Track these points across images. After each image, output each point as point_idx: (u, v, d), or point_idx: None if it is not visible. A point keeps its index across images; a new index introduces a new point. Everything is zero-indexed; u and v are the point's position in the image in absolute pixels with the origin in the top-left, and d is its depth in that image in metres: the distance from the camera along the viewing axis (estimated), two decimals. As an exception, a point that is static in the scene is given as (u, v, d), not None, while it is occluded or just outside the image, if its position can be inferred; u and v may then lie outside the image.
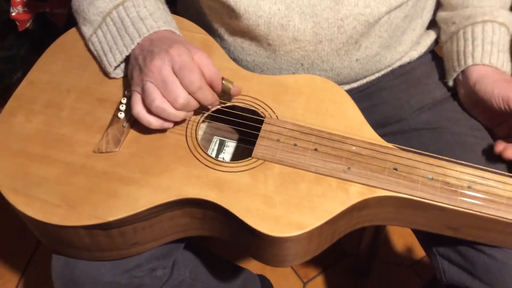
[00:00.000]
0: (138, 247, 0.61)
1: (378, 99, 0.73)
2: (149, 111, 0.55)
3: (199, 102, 0.57)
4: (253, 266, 1.21)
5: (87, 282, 0.62)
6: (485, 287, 0.59)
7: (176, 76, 0.54)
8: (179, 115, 0.56)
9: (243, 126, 0.64)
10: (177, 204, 0.56)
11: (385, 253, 1.23)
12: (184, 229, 0.61)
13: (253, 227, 0.53)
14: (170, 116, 0.56)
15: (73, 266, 0.62)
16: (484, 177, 0.56)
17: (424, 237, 0.70)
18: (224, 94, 0.61)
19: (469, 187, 0.55)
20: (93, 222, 0.54)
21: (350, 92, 0.74)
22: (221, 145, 0.70)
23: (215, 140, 0.71)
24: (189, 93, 0.55)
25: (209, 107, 0.62)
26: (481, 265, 0.60)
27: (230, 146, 0.70)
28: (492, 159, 0.63)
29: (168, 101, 0.54)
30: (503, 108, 0.61)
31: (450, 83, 0.70)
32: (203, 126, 0.70)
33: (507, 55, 0.66)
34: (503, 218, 0.54)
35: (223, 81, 0.59)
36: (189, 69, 0.54)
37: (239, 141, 0.70)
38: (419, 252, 1.23)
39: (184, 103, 0.54)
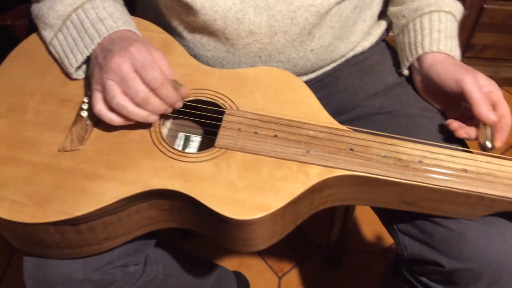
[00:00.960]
0: (109, 242, 0.62)
1: (335, 88, 0.77)
2: (111, 108, 0.57)
3: (162, 100, 0.57)
4: (228, 263, 1.22)
5: (59, 281, 0.63)
6: (443, 257, 0.63)
7: (137, 73, 0.56)
8: (141, 113, 0.57)
9: (206, 120, 0.66)
10: (144, 196, 0.58)
11: (356, 243, 1.26)
12: (153, 222, 0.63)
13: (219, 213, 0.55)
14: (130, 114, 0.57)
15: (45, 266, 0.63)
16: (433, 152, 0.60)
17: (385, 216, 0.73)
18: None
19: (420, 162, 0.59)
20: (61, 218, 0.55)
21: (307, 82, 0.77)
22: (187, 140, 0.72)
23: (181, 136, 0.72)
24: (152, 90, 0.56)
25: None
26: (438, 236, 0.63)
27: (196, 141, 0.72)
28: (442, 136, 0.67)
29: (128, 97, 0.56)
30: (455, 90, 0.64)
31: (405, 72, 0.74)
32: (168, 123, 0.72)
33: (455, 40, 0.70)
34: (453, 188, 0.57)
35: (173, 82, 0.60)
36: (150, 66, 0.55)
37: (204, 135, 0.72)
38: (388, 239, 1.27)
39: (144, 97, 0.56)
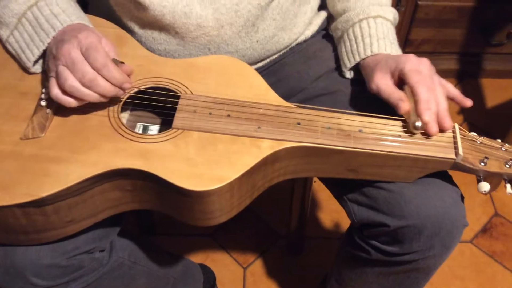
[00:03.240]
0: (74, 225, 0.64)
1: (282, 74, 0.82)
2: (65, 92, 0.60)
3: (109, 81, 0.61)
4: (193, 259, 1.25)
5: (27, 267, 0.64)
6: (388, 217, 0.69)
7: (84, 57, 0.59)
8: (92, 95, 0.61)
9: (163, 105, 0.69)
10: (107, 177, 0.61)
11: (315, 230, 1.32)
12: (116, 204, 0.66)
13: (179, 186, 0.59)
14: (83, 95, 0.60)
15: (12, 253, 0.64)
16: (371, 122, 0.66)
17: (336, 189, 0.79)
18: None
19: (360, 131, 0.65)
20: (26, 199, 0.57)
21: (256, 71, 0.82)
22: (145, 130, 0.75)
23: (139, 126, 0.76)
24: (96, 71, 0.60)
25: (125, 91, 0.67)
26: (381, 199, 0.69)
27: (154, 130, 0.75)
28: (380, 108, 0.72)
29: (77, 79, 0.59)
30: (397, 78, 0.68)
31: (347, 75, 0.79)
32: (125, 115, 0.75)
33: (388, 40, 0.75)
34: (390, 152, 0.63)
35: (113, 60, 0.63)
36: (93, 48, 0.59)
37: (161, 125, 0.76)
38: (345, 225, 1.33)
39: (91, 78, 0.59)
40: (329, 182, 0.80)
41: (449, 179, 0.70)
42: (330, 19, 0.85)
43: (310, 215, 1.34)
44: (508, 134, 1.25)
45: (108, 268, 0.76)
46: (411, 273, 0.76)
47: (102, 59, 0.59)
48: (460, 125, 1.59)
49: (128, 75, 0.66)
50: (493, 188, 1.40)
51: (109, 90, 0.62)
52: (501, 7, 1.52)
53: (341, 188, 0.77)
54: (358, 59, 0.75)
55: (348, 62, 0.77)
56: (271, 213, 1.35)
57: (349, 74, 0.79)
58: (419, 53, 1.74)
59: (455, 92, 0.68)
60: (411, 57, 0.67)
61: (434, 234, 0.67)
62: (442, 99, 0.64)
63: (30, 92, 0.67)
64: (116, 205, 0.66)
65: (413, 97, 0.64)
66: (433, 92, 0.64)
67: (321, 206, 1.37)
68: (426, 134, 0.64)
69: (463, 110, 1.62)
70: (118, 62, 0.64)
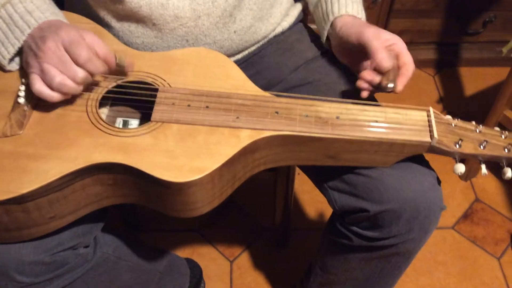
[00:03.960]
0: (56, 222, 0.64)
1: (260, 66, 0.83)
2: (52, 88, 0.60)
3: (92, 74, 0.62)
4: (180, 254, 1.25)
5: (10, 265, 0.64)
6: (367, 203, 0.70)
7: (68, 52, 0.60)
8: (80, 89, 0.62)
9: (141, 98, 0.70)
10: (87, 172, 0.61)
11: (300, 222, 1.33)
12: (98, 199, 0.66)
13: (159, 178, 0.59)
14: (71, 90, 0.61)
15: (-6, 252, 0.64)
16: (348, 108, 0.67)
17: (316, 177, 0.80)
18: (120, 67, 0.67)
19: (337, 118, 0.66)
20: (7, 196, 0.57)
21: (235, 63, 0.83)
22: (125, 124, 0.75)
23: (119, 121, 0.76)
24: (81, 67, 0.60)
25: (97, 85, 0.68)
26: (361, 185, 0.71)
27: (134, 124, 0.75)
28: (357, 96, 0.74)
29: (67, 77, 0.60)
30: (358, 43, 0.71)
31: (324, 39, 0.80)
32: (105, 110, 0.75)
33: (361, 5, 0.78)
34: (367, 137, 0.64)
35: (117, 56, 0.65)
36: (75, 44, 0.59)
37: (141, 118, 0.76)
38: (329, 215, 1.35)
39: (84, 77, 0.60)
40: (310, 171, 0.81)
41: (426, 164, 0.72)
42: None
43: (294, 207, 1.35)
44: (486, 121, 1.27)
45: (93, 263, 0.76)
46: (392, 257, 0.77)
47: (85, 54, 0.60)
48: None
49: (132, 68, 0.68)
50: (473, 174, 1.43)
51: (90, 81, 0.63)
52: (476, -4, 1.55)
53: (322, 176, 0.78)
54: (332, 18, 0.76)
55: (325, 24, 0.78)
56: (256, 206, 1.36)
57: (325, 39, 0.80)
58: (398, 44, 1.75)
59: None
60: (385, 32, 0.72)
61: (413, 218, 0.69)
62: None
63: (7, 91, 0.66)
64: (98, 200, 0.66)
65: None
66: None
67: (305, 198, 1.38)
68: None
69: (442, 99, 1.64)
70: (123, 61, 0.65)
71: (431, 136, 0.64)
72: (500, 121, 1.23)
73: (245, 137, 0.64)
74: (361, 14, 0.76)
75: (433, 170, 0.72)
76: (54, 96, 0.61)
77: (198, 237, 1.31)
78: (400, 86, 0.67)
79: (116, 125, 0.75)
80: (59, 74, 0.59)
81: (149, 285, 0.94)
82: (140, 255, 0.89)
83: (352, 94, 0.75)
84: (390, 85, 0.65)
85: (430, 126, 0.65)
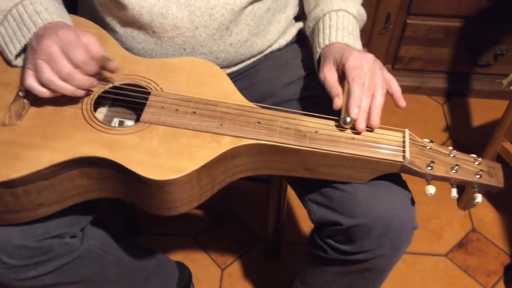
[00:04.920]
0: (43, 209, 0.69)
1: (255, 78, 0.87)
2: (42, 84, 0.65)
3: (88, 74, 0.66)
4: (173, 258, 1.29)
5: (-1, 245, 0.69)
6: (341, 216, 0.72)
7: (63, 53, 0.64)
8: (67, 87, 0.66)
9: (136, 103, 0.74)
10: (75, 164, 0.65)
11: (294, 236, 1.35)
12: (85, 191, 0.70)
13: (140, 175, 0.63)
14: (58, 88, 0.65)
15: (-17, 233, 0.69)
16: (328, 124, 0.70)
17: (299, 189, 0.82)
18: (104, 65, 0.70)
19: (316, 132, 0.69)
20: (-2, 180, 0.62)
21: (231, 75, 0.87)
22: (121, 124, 0.80)
23: (115, 120, 0.80)
24: (76, 67, 0.65)
25: (97, 88, 0.72)
26: (337, 199, 0.73)
27: (129, 125, 0.80)
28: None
29: (57, 74, 0.64)
30: (341, 72, 0.71)
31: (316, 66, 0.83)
32: (104, 110, 0.80)
33: (347, 30, 0.78)
34: (342, 152, 0.67)
35: (103, 57, 0.68)
36: (73, 46, 0.64)
37: (136, 120, 0.80)
38: (324, 233, 1.37)
39: (68, 72, 0.64)
40: (293, 183, 0.84)
41: (402, 184, 0.74)
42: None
43: (289, 221, 1.37)
44: (484, 152, 1.28)
45: (79, 254, 0.79)
46: (366, 273, 0.79)
47: (81, 57, 0.65)
48: (445, 142, 1.64)
49: (115, 71, 0.71)
50: (472, 204, 1.43)
51: (85, 83, 0.67)
52: (488, 28, 1.56)
53: (303, 189, 0.80)
54: (319, 50, 0.78)
55: (316, 54, 0.79)
56: (252, 217, 1.39)
57: (316, 64, 0.80)
58: (409, 70, 1.80)
59: (396, 89, 0.71)
60: (355, 52, 0.70)
61: (383, 234, 0.71)
62: (378, 95, 0.68)
63: (11, 83, 0.72)
64: (84, 192, 0.70)
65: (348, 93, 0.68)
66: (370, 89, 0.68)
67: (300, 213, 1.40)
68: (355, 129, 0.68)
69: (448, 128, 1.65)
70: (107, 59, 0.69)
71: (404, 157, 0.67)
72: (499, 152, 1.24)
73: (226, 143, 0.67)
74: (346, 39, 0.76)
75: (408, 190, 0.74)
76: (43, 91, 0.66)
77: (193, 243, 1.34)
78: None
79: (112, 124, 0.79)
80: (48, 71, 0.64)
81: (135, 282, 0.97)
82: (128, 252, 0.93)
83: (339, 111, 0.77)
84: (348, 118, 0.67)
85: (404, 146, 0.68)
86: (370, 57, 0.70)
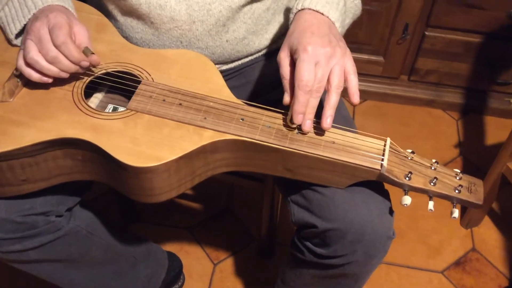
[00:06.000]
0: (28, 185, 0.71)
1: (251, 76, 0.88)
2: (27, 63, 0.67)
3: (68, 59, 0.67)
4: (168, 247, 1.31)
5: (-17, 217, 0.71)
6: (318, 219, 0.72)
7: (50, 34, 0.66)
8: (52, 69, 0.67)
9: (127, 90, 0.76)
10: (58, 144, 0.67)
11: (287, 238, 1.34)
12: (69, 171, 0.72)
13: (118, 160, 0.65)
14: (43, 69, 0.67)
15: (-31, 204, 0.71)
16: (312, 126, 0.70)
17: (283, 190, 0.83)
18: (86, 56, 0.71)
19: (298, 133, 0.69)
20: (-18, 153, 0.64)
21: (227, 71, 0.88)
22: (114, 110, 0.82)
23: (110, 107, 0.82)
24: (56, 48, 0.66)
25: (91, 70, 0.73)
26: (315, 202, 0.73)
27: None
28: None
29: (42, 55, 0.66)
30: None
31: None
32: (100, 96, 0.82)
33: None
34: (321, 155, 0.67)
35: (85, 48, 0.70)
36: (58, 27, 0.66)
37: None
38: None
39: (54, 55, 0.66)
40: (279, 183, 0.85)
41: (383, 193, 0.73)
42: None
43: (284, 223, 1.37)
44: (489, 172, 1.25)
45: (63, 233, 0.82)
46: (341, 279, 0.79)
47: (63, 37, 0.66)
48: (454, 158, 1.60)
49: (94, 66, 0.72)
50: (475, 223, 1.40)
51: (69, 67, 0.68)
52: (508, 46, 1.53)
53: (287, 190, 0.81)
54: (291, 16, 0.72)
55: (289, 21, 0.73)
56: (249, 216, 1.40)
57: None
58: (425, 83, 1.78)
59: (352, 83, 0.66)
60: (312, 43, 0.64)
61: (357, 240, 0.70)
62: (333, 95, 0.64)
63: (9, 62, 0.74)
64: (69, 173, 0.72)
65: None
66: (318, 90, 0.64)
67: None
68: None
69: (460, 144, 1.62)
70: (89, 52, 0.71)
71: (381, 165, 0.66)
72: (503, 172, 1.21)
73: (207, 137, 0.68)
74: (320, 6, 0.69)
75: (388, 200, 0.74)
76: (32, 74, 0.68)
77: (189, 236, 1.36)
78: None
79: (106, 110, 0.81)
80: (34, 51, 0.66)
81: (121, 267, 0.99)
82: (116, 236, 0.95)
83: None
84: (291, 124, 0.67)
85: (383, 155, 0.67)
86: (327, 51, 0.64)
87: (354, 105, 0.66)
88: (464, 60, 1.60)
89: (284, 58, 0.67)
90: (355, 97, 0.65)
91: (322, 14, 0.69)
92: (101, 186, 0.71)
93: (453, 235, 1.40)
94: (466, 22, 1.50)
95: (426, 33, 1.55)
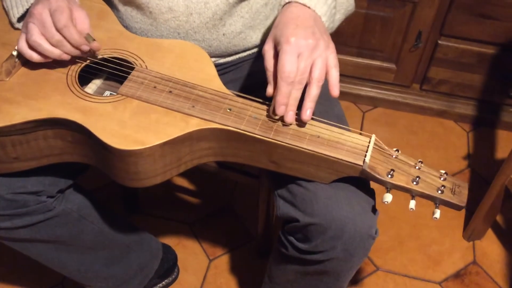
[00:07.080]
0: (19, 163, 0.73)
1: (248, 70, 0.89)
2: (30, 46, 0.69)
3: (69, 42, 0.70)
4: (167, 240, 1.32)
5: (-26, 192, 0.74)
6: (300, 213, 0.72)
7: (51, 18, 0.68)
8: (54, 51, 0.70)
9: (118, 76, 0.77)
10: (49, 123, 0.69)
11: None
12: (59, 152, 0.74)
13: (104, 141, 0.66)
14: (46, 51, 0.69)
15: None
16: (297, 120, 0.70)
17: (271, 184, 0.83)
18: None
19: (283, 125, 0.70)
20: (-26, 129, 0.66)
21: (224, 64, 0.89)
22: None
23: (107, 93, 0.84)
24: (58, 31, 0.68)
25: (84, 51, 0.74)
26: (299, 196, 0.73)
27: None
28: (323, 114, 0.75)
29: (45, 38, 0.68)
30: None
31: None
32: (98, 82, 0.84)
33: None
34: (303, 148, 0.67)
35: (87, 35, 0.72)
36: (59, 11, 0.68)
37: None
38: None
39: (58, 39, 0.69)
40: (268, 176, 0.85)
41: (368, 191, 0.73)
42: None
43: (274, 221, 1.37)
44: (493, 183, 1.23)
45: (54, 214, 0.83)
46: (323, 276, 0.78)
47: (64, 21, 0.68)
48: (462, 170, 1.58)
49: (94, 51, 0.74)
50: (478, 236, 1.37)
51: (71, 50, 0.71)
52: (522, 59, 1.51)
53: (275, 183, 0.81)
54: (279, 8, 0.71)
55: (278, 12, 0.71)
56: (248, 215, 1.40)
57: None
58: (437, 93, 1.76)
59: (333, 76, 0.66)
60: (295, 35, 0.64)
61: (337, 236, 0.70)
62: (314, 88, 0.64)
63: (10, 44, 0.77)
64: (59, 153, 0.74)
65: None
66: (301, 82, 0.64)
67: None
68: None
69: (469, 156, 1.60)
70: (90, 39, 0.73)
71: (364, 161, 0.66)
72: (507, 184, 1.19)
73: (193, 124, 0.69)
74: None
75: (373, 198, 0.73)
76: (32, 55, 0.70)
77: (188, 230, 1.37)
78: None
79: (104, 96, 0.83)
80: (37, 34, 0.68)
81: (113, 254, 1.00)
82: (108, 223, 0.96)
83: (321, 112, 0.77)
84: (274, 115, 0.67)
85: (367, 151, 0.67)
86: (310, 43, 0.64)
87: (333, 97, 0.66)
88: (477, 71, 1.57)
89: (268, 50, 0.68)
90: (335, 90, 0.65)
91: (309, 7, 0.69)
92: (105, 175, 0.72)
93: (455, 247, 1.37)
94: (480, 32, 1.48)
95: (439, 42, 1.53)
